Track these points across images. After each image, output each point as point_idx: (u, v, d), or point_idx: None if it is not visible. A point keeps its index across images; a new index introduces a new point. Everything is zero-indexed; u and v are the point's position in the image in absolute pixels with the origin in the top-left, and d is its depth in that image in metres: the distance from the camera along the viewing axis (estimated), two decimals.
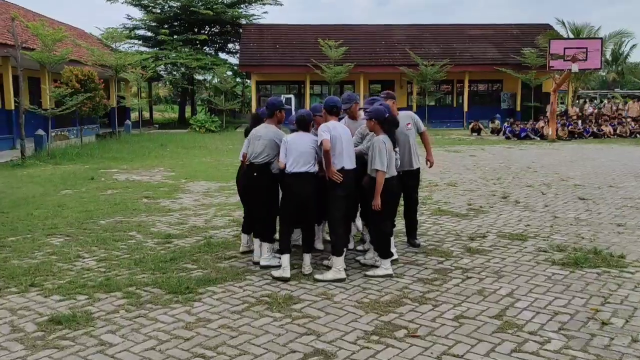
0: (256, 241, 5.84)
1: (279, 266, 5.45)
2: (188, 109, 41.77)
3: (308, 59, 30.44)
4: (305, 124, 5.49)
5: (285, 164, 5.40)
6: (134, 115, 33.51)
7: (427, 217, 8.05)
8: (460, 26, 36.44)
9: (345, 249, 5.54)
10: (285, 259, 5.35)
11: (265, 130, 5.67)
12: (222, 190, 10.79)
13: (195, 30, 37.43)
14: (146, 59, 27.38)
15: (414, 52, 31.53)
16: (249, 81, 38.51)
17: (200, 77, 41.42)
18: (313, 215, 5.66)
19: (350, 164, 5.46)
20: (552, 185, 11.06)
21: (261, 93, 33.85)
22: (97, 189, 10.95)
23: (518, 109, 33.58)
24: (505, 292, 4.96)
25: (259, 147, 5.59)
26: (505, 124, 24.65)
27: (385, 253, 5.54)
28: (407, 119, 6.39)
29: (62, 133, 21.68)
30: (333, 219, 5.43)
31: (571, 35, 32.10)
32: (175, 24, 37.65)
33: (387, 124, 5.51)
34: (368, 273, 5.51)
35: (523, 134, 23.56)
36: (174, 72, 36.73)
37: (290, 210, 5.44)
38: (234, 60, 40.97)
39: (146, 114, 37.24)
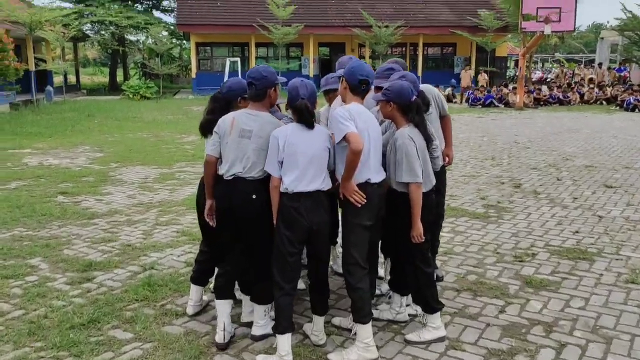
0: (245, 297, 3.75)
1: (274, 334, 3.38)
2: (120, 72, 38.12)
3: (253, 19, 27.71)
4: (308, 111, 3.29)
5: (281, 180, 3.29)
6: (58, 80, 29.84)
7: None
8: None
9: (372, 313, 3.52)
10: (285, 341, 3.26)
11: (259, 121, 3.40)
12: (164, 180, 8.50)
13: None
14: (67, 15, 23.92)
15: (366, 12, 29.37)
16: (187, 43, 35.26)
17: (132, 38, 37.80)
18: (327, 257, 3.59)
19: (377, 174, 3.39)
20: (559, 167, 9.41)
21: (201, 56, 30.93)
22: None
23: (472, 73, 32.18)
24: None
25: (252, 152, 3.36)
26: (470, 91, 23.08)
27: (432, 304, 3.58)
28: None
29: None
30: (351, 264, 3.37)
31: None
32: None
33: (413, 111, 3.47)
34: (410, 337, 3.56)
35: (488, 101, 22.09)
36: (102, 32, 33.03)
37: (290, 253, 3.30)
38: (169, 19, 37.50)
39: (72, 78, 33.52)
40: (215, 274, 3.75)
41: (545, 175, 8.74)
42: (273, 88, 3.44)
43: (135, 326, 3.72)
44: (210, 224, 3.55)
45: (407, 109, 3.46)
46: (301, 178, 3.21)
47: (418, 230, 3.42)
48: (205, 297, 4.02)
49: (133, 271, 4.74)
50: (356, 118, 3.24)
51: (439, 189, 3.94)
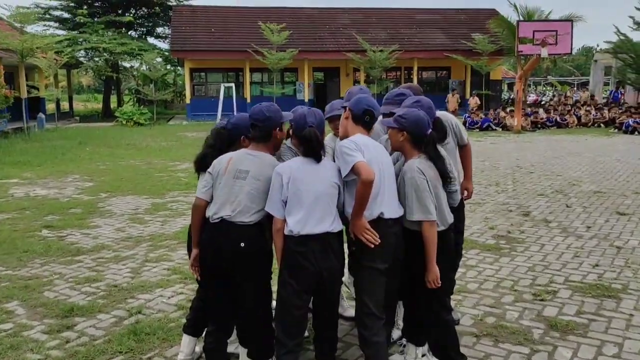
0: (241, 350, 3.32)
1: None
2: (114, 99, 37.88)
3: (247, 44, 27.59)
4: (317, 141, 2.97)
5: (285, 222, 2.92)
6: (51, 107, 29.50)
7: None
8: (407, 10, 34.55)
9: None
10: None
11: (258, 162, 3.05)
12: (156, 211, 8.11)
13: (119, 11, 33.65)
14: (59, 41, 23.70)
15: (360, 37, 29.33)
16: (181, 69, 35.15)
17: (126, 64, 37.64)
18: (337, 309, 3.20)
19: (392, 210, 3.03)
20: (567, 193, 9.07)
21: (195, 81, 30.75)
22: None
23: (467, 96, 32.09)
24: None
25: (246, 195, 2.98)
26: (466, 114, 22.90)
27: (453, 357, 3.19)
28: None
29: None
30: (366, 314, 2.98)
31: (522, 19, 30.90)
32: (97, 4, 33.66)
33: (429, 145, 3.14)
34: None
35: (485, 124, 21.88)
36: (96, 59, 32.86)
37: (296, 305, 2.92)
38: (164, 45, 37.39)
39: (66, 105, 33.23)
40: (205, 330, 3.32)
41: (553, 202, 8.40)
42: (278, 128, 3.10)
43: None
44: (195, 276, 3.16)
45: (420, 141, 3.12)
46: (307, 219, 2.85)
47: (434, 274, 3.05)
48: (197, 349, 3.59)
49: (118, 316, 4.32)
50: (363, 149, 2.91)
51: (457, 226, 3.56)
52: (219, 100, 25.12)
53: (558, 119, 22.71)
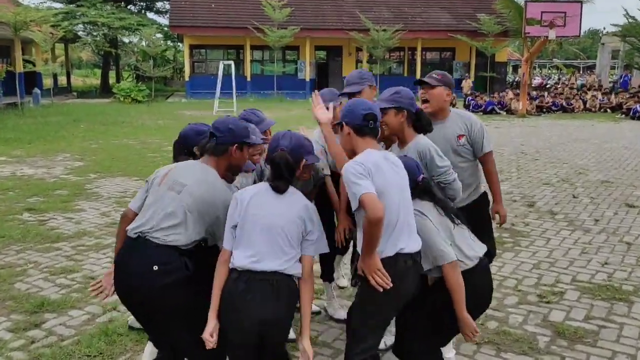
0: None
1: None
2: (113, 75, 37.35)
3: (248, 21, 27.03)
4: (286, 166, 2.53)
5: (232, 252, 2.50)
6: (49, 82, 28.98)
7: None
8: None
9: None
10: None
11: (200, 178, 2.60)
12: None
13: None
14: (56, 15, 23.16)
15: (364, 15, 28.69)
16: (181, 45, 34.57)
17: (126, 40, 37.06)
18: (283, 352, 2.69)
19: (410, 242, 2.55)
20: (573, 182, 8.72)
21: (195, 58, 30.22)
22: None
23: (472, 79, 31.53)
24: None
25: (173, 211, 2.53)
26: (470, 97, 22.44)
27: None
28: (455, 129, 3.36)
29: None
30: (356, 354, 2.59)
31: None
32: None
33: (421, 190, 2.74)
34: None
35: (489, 108, 21.44)
36: (94, 33, 32.26)
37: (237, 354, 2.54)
38: (164, 21, 36.78)
39: (64, 80, 32.71)
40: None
41: (559, 192, 8.05)
42: (237, 146, 2.66)
43: None
44: (98, 298, 2.82)
45: (414, 187, 2.70)
46: (256, 253, 2.44)
47: (469, 325, 2.63)
48: None
49: (91, 313, 4.01)
50: (374, 170, 2.46)
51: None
52: (218, 78, 24.64)
53: (564, 103, 22.25)
